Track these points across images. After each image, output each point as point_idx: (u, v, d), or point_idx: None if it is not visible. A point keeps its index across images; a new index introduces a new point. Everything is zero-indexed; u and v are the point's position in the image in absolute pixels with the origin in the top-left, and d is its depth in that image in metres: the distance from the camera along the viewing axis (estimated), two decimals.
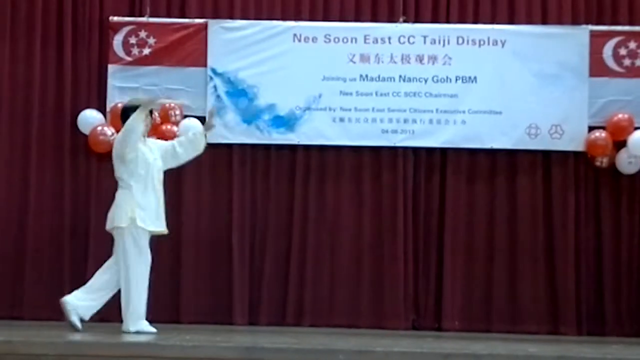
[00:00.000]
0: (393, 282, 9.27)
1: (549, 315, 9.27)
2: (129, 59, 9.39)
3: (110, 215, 7.92)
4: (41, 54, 9.43)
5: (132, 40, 9.40)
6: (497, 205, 9.40)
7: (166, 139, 9.11)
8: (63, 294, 8.59)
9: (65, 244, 9.26)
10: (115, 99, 9.31)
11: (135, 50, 9.40)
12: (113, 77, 9.37)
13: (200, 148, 8.22)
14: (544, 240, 9.35)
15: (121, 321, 7.86)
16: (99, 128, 9.22)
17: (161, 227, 7.98)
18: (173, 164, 8.24)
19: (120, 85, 9.35)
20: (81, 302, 7.79)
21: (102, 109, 9.34)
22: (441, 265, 9.34)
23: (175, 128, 9.21)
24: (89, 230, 9.24)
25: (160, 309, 9.14)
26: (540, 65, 9.34)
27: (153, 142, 8.20)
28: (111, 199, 9.18)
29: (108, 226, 7.93)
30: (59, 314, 8.61)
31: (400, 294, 9.25)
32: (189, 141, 8.22)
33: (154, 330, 7.76)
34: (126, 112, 7.95)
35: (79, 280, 8.97)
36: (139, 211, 7.79)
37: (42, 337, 6.83)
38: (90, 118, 9.27)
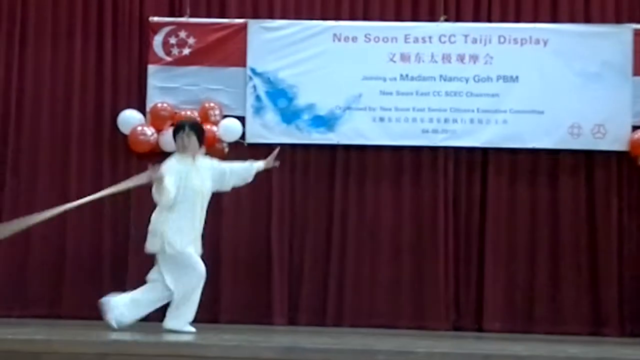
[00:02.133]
0: (434, 282, 9.22)
1: (591, 316, 9.18)
2: (168, 59, 9.40)
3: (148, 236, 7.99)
4: (81, 54, 9.47)
5: (172, 40, 9.42)
6: (539, 205, 9.32)
7: (206, 139, 9.14)
8: (102, 293, 8.61)
9: (105, 244, 9.29)
10: (155, 99, 9.34)
11: (175, 51, 9.42)
12: (153, 77, 9.39)
13: (248, 180, 8.25)
14: (586, 241, 9.26)
15: (159, 320, 7.87)
16: (139, 128, 9.24)
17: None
18: (219, 188, 8.23)
19: (160, 86, 9.37)
20: (123, 309, 7.78)
21: (142, 109, 9.35)
22: (482, 265, 9.27)
23: (214, 128, 9.21)
24: (129, 229, 9.25)
25: (200, 309, 9.09)
26: (583, 64, 9.25)
27: (206, 161, 8.15)
28: (150, 198, 9.23)
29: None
30: (98, 313, 8.65)
31: (440, 294, 9.20)
32: (244, 170, 8.24)
33: (193, 330, 7.76)
34: None
35: (119, 279, 9.04)
36: (171, 235, 7.81)
37: (81, 336, 6.83)
38: (130, 118, 9.29)
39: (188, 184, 7.87)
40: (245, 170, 8.26)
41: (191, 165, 7.95)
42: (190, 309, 7.87)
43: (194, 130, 8.06)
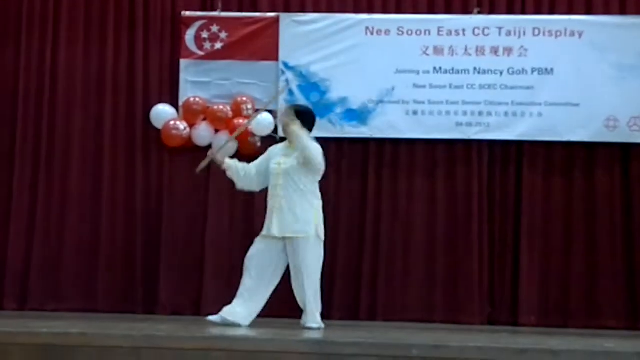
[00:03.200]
0: (468, 276, 9.16)
1: (627, 310, 9.09)
2: (201, 53, 9.40)
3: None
4: (114, 49, 9.50)
5: (204, 34, 9.42)
6: (574, 198, 9.25)
7: None
8: (136, 286, 8.68)
9: (138, 237, 9.31)
10: (188, 94, 9.35)
11: (207, 45, 9.42)
12: (185, 72, 9.40)
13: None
14: (622, 234, 9.18)
15: (193, 314, 7.86)
16: (172, 122, 9.25)
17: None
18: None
19: (193, 80, 9.39)
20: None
21: (174, 103, 9.37)
22: (517, 259, 9.21)
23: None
24: (162, 223, 9.28)
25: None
26: (618, 56, 9.16)
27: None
28: (182, 192, 9.27)
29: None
30: (133, 306, 8.68)
31: (475, 288, 9.15)
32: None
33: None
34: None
35: (152, 273, 9.08)
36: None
37: (116, 329, 6.83)
38: (162, 112, 9.30)
39: None
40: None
41: None
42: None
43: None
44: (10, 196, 9.33)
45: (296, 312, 9.05)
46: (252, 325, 7.56)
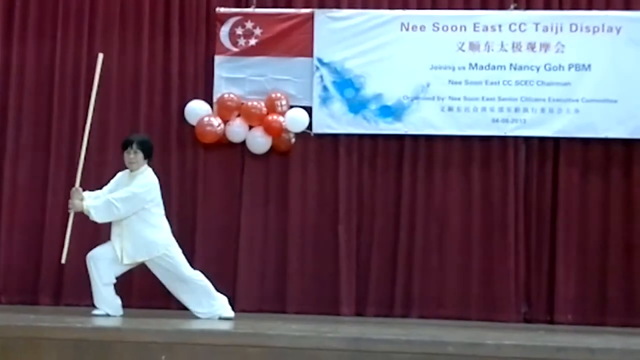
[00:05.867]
0: (504, 273, 9.10)
1: None
2: (235, 49, 9.39)
3: None
4: (149, 46, 9.51)
5: (239, 31, 9.40)
6: (612, 196, 9.16)
7: (272, 129, 9.15)
8: None
9: (173, 233, 9.28)
10: (222, 90, 9.35)
11: (241, 41, 9.40)
12: (220, 68, 9.39)
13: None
14: None
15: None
16: (206, 119, 9.25)
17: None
18: None
19: (227, 76, 9.38)
20: None
21: (209, 99, 9.37)
22: (553, 256, 9.14)
23: (281, 118, 9.19)
24: (196, 217, 9.29)
25: (267, 299, 9.16)
26: None
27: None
28: (217, 188, 9.30)
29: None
30: (166, 302, 8.68)
31: (511, 285, 9.08)
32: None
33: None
34: None
35: None
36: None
37: (150, 325, 6.85)
38: (197, 109, 9.30)
39: None
40: None
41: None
42: None
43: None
44: (46, 191, 9.36)
45: (331, 307, 9.08)
46: (287, 320, 7.53)
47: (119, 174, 8.17)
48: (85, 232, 9.16)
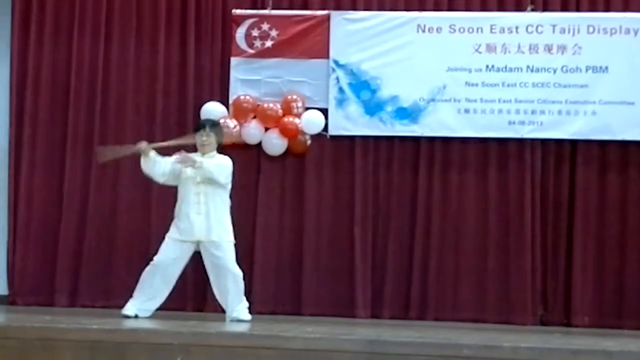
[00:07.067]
0: (520, 276, 9.08)
1: None
2: (251, 51, 9.39)
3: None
4: (165, 47, 9.52)
5: (255, 32, 9.41)
6: (629, 198, 9.14)
7: (288, 131, 9.15)
8: (186, 284, 8.64)
9: None
10: (238, 92, 9.35)
11: (257, 43, 9.40)
12: (236, 70, 9.39)
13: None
14: None
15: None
16: (222, 120, 9.23)
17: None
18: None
19: (243, 78, 9.38)
20: None
21: (224, 101, 9.37)
22: (570, 259, 9.11)
23: (297, 120, 9.19)
24: None
25: (282, 301, 9.15)
26: None
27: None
28: (233, 190, 9.22)
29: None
30: (183, 304, 8.68)
31: (527, 288, 9.06)
32: None
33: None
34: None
35: (202, 269, 9.00)
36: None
37: (166, 326, 6.85)
38: (213, 110, 9.29)
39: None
40: None
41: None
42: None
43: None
44: (62, 193, 9.38)
45: (346, 309, 9.06)
46: (302, 323, 7.52)
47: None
48: (99, 233, 9.20)
